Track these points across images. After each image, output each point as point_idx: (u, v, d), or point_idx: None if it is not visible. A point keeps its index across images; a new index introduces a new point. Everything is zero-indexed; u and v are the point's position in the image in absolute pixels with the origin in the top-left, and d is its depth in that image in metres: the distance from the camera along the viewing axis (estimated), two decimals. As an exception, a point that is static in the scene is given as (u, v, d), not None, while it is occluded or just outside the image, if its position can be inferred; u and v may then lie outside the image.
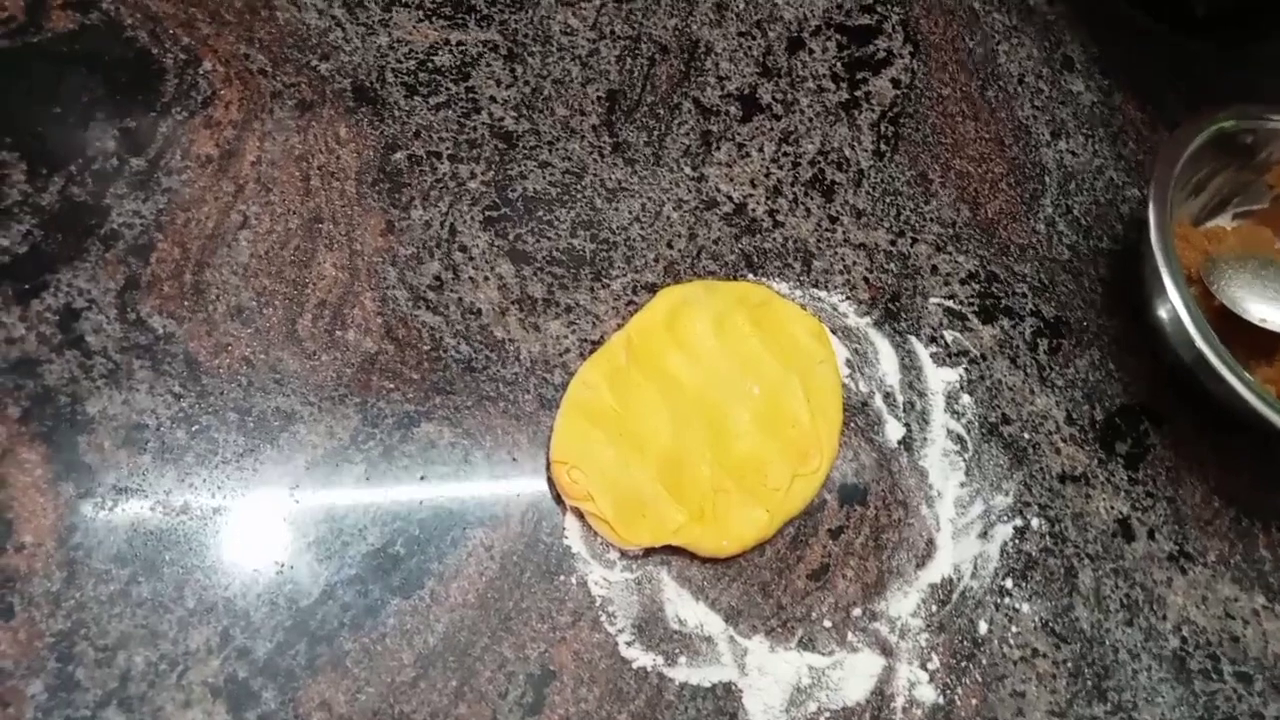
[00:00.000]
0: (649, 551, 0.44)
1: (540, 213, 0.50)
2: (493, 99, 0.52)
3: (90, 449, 0.41)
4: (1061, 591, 0.47)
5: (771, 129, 0.56)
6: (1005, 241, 0.56)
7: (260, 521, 0.41)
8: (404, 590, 0.41)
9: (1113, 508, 0.50)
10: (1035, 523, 0.49)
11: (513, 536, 0.43)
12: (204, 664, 0.39)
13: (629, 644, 0.42)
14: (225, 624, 0.39)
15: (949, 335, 0.52)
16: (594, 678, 0.41)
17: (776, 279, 0.52)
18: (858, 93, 0.58)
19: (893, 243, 0.54)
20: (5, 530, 0.39)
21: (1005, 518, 0.48)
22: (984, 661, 0.45)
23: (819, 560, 0.45)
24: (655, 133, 0.54)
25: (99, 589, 0.39)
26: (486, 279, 0.48)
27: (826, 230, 0.54)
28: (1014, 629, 0.46)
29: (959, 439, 0.50)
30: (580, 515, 0.44)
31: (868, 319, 0.52)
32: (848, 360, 0.50)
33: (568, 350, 0.48)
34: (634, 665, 0.42)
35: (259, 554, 0.41)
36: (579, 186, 0.52)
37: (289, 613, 0.40)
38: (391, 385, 0.45)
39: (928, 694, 0.44)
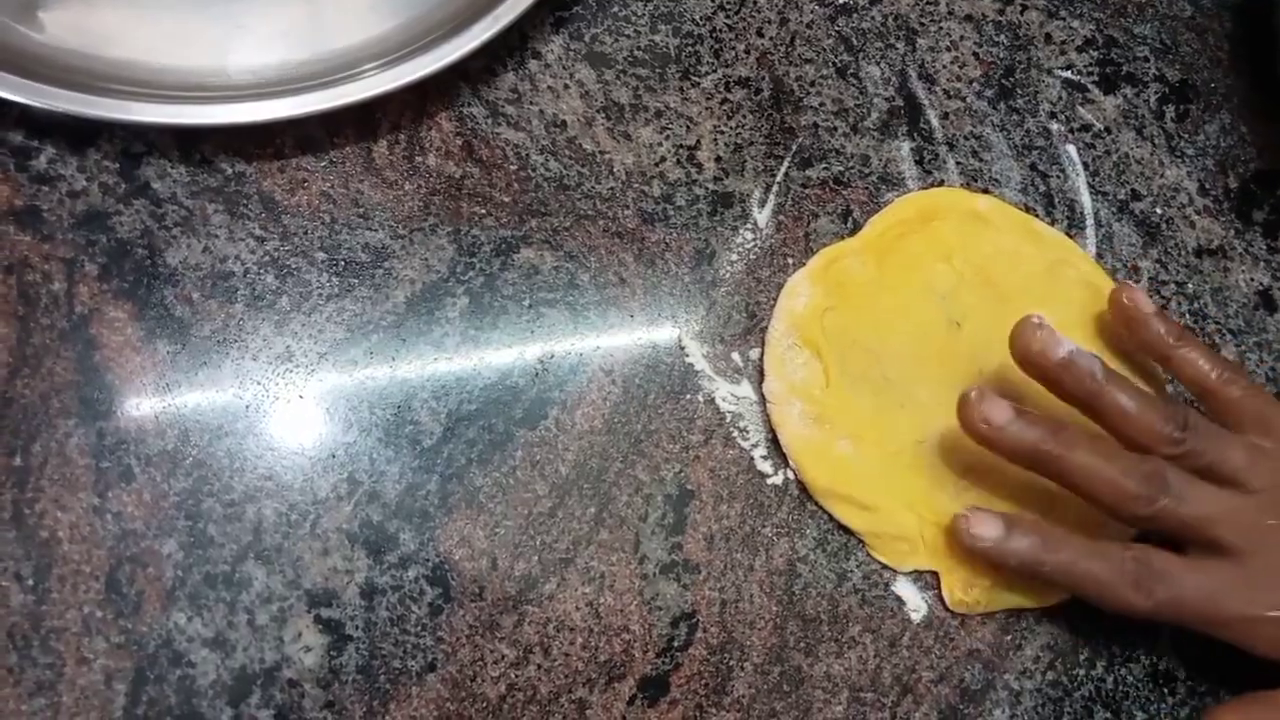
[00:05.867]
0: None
1: (615, 8, 0.45)
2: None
3: (179, 302, 0.38)
4: (1204, 370, 0.45)
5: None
6: (1122, 1, 0.51)
7: (367, 363, 0.39)
8: (528, 421, 0.39)
9: (1252, 279, 0.47)
10: (1174, 302, 0.46)
11: (631, 359, 0.41)
12: (336, 511, 0.37)
13: (764, 458, 0.40)
14: (350, 470, 0.38)
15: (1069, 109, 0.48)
16: (733, 494, 0.40)
17: (879, 63, 0.47)
18: None
19: (1001, 11, 0.49)
20: (108, 393, 0.37)
21: (1141, 299, 0.45)
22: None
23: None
24: (729, -93, 0.48)
25: (214, 445, 0.37)
26: (566, 87, 0.44)
27: (928, 3, 0.48)
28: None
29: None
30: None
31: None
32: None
33: (663, 159, 0.44)
34: (770, 480, 0.40)
35: (372, 397, 0.39)
36: (653, -24, 0.46)
37: (413, 454, 0.38)
38: (483, 210, 0.42)
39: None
